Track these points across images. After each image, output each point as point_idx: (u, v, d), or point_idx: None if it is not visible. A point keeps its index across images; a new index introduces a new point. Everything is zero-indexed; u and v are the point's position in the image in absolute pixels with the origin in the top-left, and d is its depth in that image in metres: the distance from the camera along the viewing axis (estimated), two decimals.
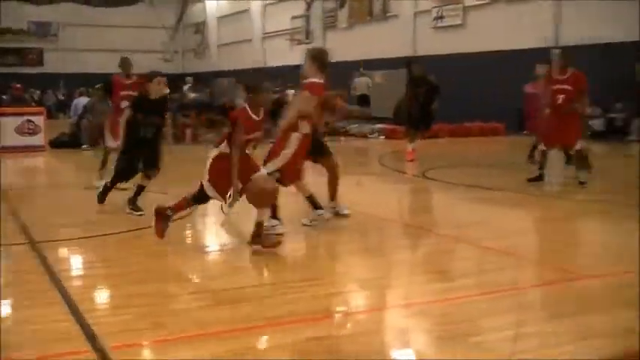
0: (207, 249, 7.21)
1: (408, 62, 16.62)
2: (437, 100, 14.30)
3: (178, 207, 6.75)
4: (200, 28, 44.52)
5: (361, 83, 25.18)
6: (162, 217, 6.64)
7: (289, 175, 7.18)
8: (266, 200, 6.49)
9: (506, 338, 4.16)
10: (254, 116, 6.46)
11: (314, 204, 7.55)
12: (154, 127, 8.39)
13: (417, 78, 14.65)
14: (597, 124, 20.21)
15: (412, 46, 27.86)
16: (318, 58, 7.32)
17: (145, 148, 8.39)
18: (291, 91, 22.34)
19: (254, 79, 6.87)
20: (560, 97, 10.36)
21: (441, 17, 26.40)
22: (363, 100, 24.43)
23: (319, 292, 5.16)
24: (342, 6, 32.58)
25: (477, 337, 4.22)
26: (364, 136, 21.60)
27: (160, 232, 6.63)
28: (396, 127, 19.79)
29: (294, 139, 7.03)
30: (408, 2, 27.85)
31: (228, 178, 6.27)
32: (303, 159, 7.43)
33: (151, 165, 8.45)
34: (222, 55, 41.73)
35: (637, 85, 17.81)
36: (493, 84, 21.21)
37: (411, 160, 14.13)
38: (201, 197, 6.61)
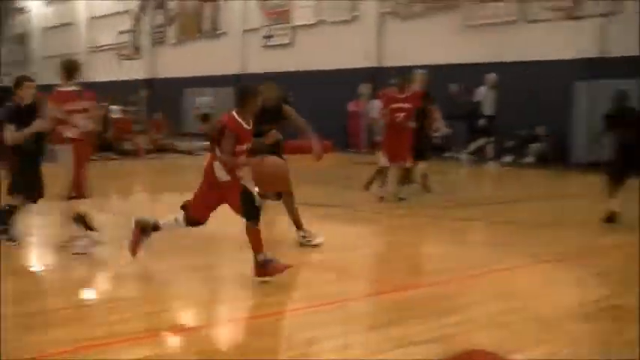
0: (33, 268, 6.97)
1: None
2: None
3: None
4: (23, 39, 42.57)
5: (202, 102, 25.12)
6: (142, 231, 6.40)
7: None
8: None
9: (331, 349, 4.37)
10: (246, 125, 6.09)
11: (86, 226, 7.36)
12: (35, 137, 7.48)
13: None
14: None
15: (242, 64, 28.15)
16: None
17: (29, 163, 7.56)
18: (115, 107, 22.00)
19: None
20: (400, 116, 10.69)
21: (270, 36, 26.85)
22: (206, 118, 24.28)
23: (146, 310, 5.16)
24: (171, 22, 32.35)
25: (306, 348, 4.40)
26: (190, 153, 21.37)
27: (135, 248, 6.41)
28: None
29: None
30: (237, 20, 28.11)
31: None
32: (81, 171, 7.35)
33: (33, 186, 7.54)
34: (49, 67, 40.00)
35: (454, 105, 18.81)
36: (320, 102, 21.82)
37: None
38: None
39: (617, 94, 9.89)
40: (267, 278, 5.78)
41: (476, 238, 8.86)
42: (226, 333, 4.94)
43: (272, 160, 7.03)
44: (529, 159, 17.90)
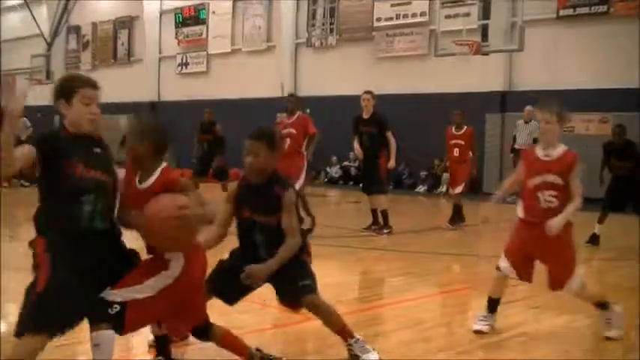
0: None
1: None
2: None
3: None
4: None
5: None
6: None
7: None
8: None
9: None
10: None
11: None
12: None
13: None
14: (334, 170, 21.58)
15: (157, 91, 27.99)
16: None
17: None
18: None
19: None
20: (286, 141, 10.24)
21: (186, 64, 26.80)
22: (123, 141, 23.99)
23: None
24: (85, 48, 31.91)
25: None
26: None
27: None
28: None
29: None
30: (152, 48, 27.96)
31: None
32: None
33: None
34: None
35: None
36: (237, 130, 21.82)
37: None
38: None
39: (617, 128, 10.67)
40: None
41: (386, 267, 9.01)
42: None
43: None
44: (442, 189, 18.33)
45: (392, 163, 11.05)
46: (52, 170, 3.66)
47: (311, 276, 4.59)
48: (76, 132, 3.77)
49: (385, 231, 10.93)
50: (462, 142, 11.98)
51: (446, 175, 14.58)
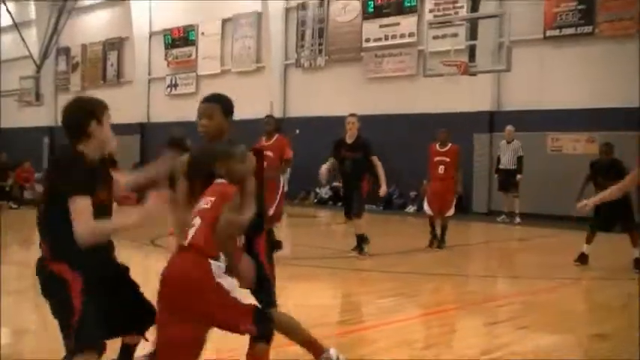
0: None
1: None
2: None
3: None
4: None
5: None
6: None
7: None
8: None
9: None
10: None
11: None
12: None
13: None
14: (324, 191, 21.58)
15: (146, 112, 28.02)
16: None
17: None
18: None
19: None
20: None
21: (175, 85, 26.84)
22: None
23: None
24: (74, 69, 31.91)
25: None
26: None
27: None
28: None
29: None
30: (142, 69, 28.01)
31: None
32: None
33: None
34: None
35: None
36: None
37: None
38: None
39: (604, 146, 10.54)
40: None
41: (375, 288, 9.00)
42: None
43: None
44: (424, 208, 18.29)
45: (384, 189, 10.46)
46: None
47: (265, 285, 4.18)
48: (95, 155, 3.74)
49: (364, 253, 10.48)
50: (447, 159, 11.62)
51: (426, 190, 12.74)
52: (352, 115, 10.76)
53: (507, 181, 16.54)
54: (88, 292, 3.61)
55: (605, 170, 10.06)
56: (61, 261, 3.65)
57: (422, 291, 8.46)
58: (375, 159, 10.42)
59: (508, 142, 16.63)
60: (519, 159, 16.43)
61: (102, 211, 3.67)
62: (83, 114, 3.77)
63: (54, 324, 3.65)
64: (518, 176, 16.38)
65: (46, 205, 3.69)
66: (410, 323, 6.80)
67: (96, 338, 3.58)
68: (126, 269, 4.05)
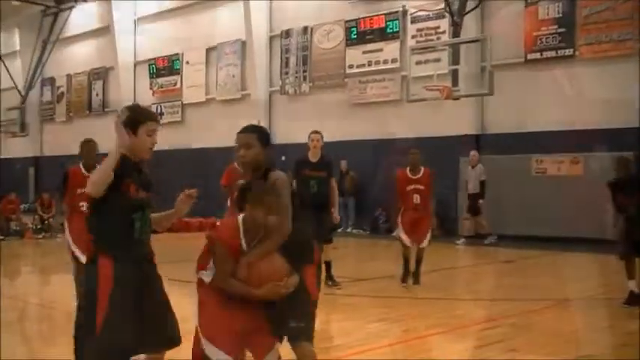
0: None
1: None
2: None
3: None
4: None
5: None
6: None
7: None
8: None
9: None
10: None
11: None
12: None
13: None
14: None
15: None
16: None
17: None
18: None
19: None
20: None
21: (161, 114, 26.86)
22: None
23: None
24: (59, 99, 31.92)
25: None
26: None
27: None
28: None
29: None
30: (127, 98, 28.01)
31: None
32: None
33: None
34: None
35: None
36: (215, 179, 21.78)
37: None
38: None
39: (620, 162, 8.95)
40: None
41: (362, 314, 9.00)
42: None
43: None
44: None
45: (337, 217, 9.93)
46: (115, 191, 3.91)
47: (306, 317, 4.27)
48: (133, 158, 4.11)
49: (338, 283, 10.08)
50: (422, 187, 10.21)
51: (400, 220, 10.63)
52: (316, 132, 10.02)
53: (474, 205, 16.74)
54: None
55: (627, 188, 8.61)
56: (104, 255, 3.95)
57: (410, 315, 8.45)
58: (334, 182, 9.94)
59: (472, 167, 16.81)
60: (482, 183, 16.59)
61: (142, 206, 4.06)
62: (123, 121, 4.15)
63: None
64: (480, 201, 16.59)
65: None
66: (397, 348, 6.79)
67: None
68: (160, 279, 4.22)
